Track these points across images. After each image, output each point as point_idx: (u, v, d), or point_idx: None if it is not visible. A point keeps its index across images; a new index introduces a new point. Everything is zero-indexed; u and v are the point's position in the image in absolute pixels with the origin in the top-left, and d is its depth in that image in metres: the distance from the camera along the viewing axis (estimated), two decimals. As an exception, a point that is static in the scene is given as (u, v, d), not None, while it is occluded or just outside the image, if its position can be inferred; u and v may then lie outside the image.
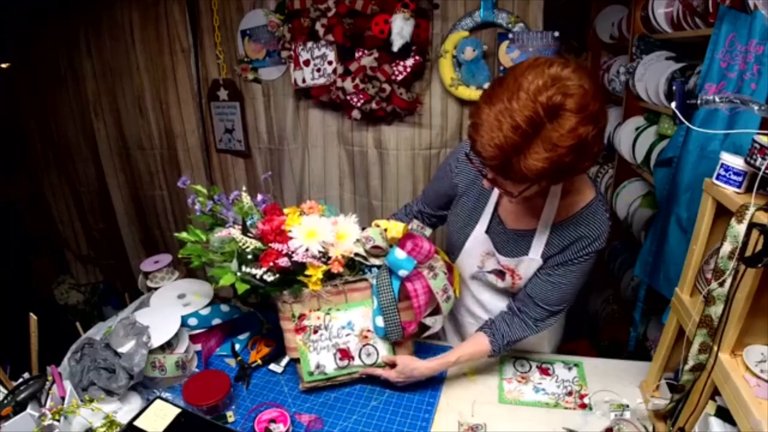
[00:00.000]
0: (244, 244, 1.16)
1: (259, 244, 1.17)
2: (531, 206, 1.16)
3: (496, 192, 1.21)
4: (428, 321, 1.26)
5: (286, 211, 1.24)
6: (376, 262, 1.22)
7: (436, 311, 1.26)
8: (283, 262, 1.14)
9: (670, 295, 1.20)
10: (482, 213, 1.24)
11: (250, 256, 1.17)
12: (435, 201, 1.39)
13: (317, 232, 1.17)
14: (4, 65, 2.89)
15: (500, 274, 1.27)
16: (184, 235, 1.28)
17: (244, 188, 1.29)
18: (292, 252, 1.15)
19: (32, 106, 2.86)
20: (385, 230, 1.21)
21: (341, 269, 1.18)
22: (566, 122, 0.84)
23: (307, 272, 1.18)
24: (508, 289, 1.29)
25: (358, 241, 1.21)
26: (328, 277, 1.21)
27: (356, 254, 1.20)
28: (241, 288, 1.16)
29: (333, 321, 1.24)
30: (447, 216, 1.39)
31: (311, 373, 1.24)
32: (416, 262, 1.18)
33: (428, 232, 1.29)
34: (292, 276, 1.19)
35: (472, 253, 1.29)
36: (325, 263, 1.18)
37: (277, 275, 1.16)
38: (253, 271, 1.14)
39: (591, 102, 0.85)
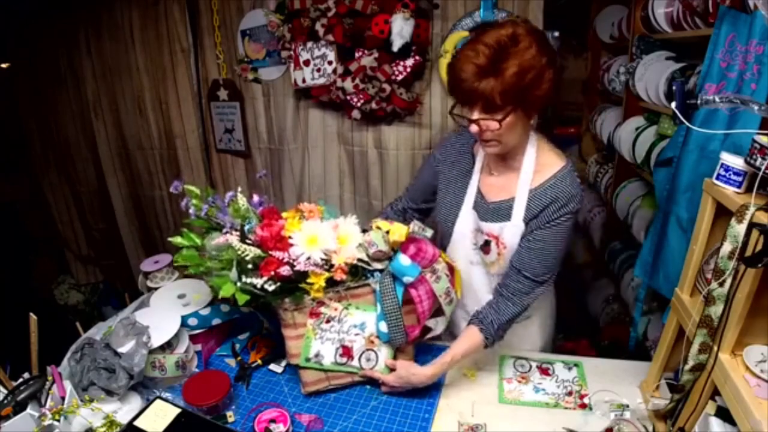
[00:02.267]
0: (243, 253, 1.12)
1: (258, 252, 1.14)
2: (508, 180, 1.28)
3: (477, 169, 1.33)
4: (430, 323, 1.26)
5: (284, 215, 1.21)
6: (379, 266, 1.21)
7: (438, 312, 1.26)
8: (285, 271, 1.11)
9: (670, 295, 1.20)
10: (466, 191, 1.33)
11: (250, 266, 1.14)
12: (420, 194, 1.47)
13: (318, 238, 1.14)
14: (4, 65, 2.90)
15: (486, 245, 1.30)
16: (178, 239, 1.25)
17: (240, 189, 1.26)
18: (294, 260, 1.12)
19: (32, 106, 2.87)
20: (387, 232, 1.20)
21: (344, 277, 1.16)
22: (523, 42, 1.07)
23: (309, 280, 1.15)
24: (495, 265, 1.31)
25: (360, 245, 1.19)
26: (331, 283, 1.18)
27: (359, 260, 1.18)
28: (242, 299, 1.13)
29: (348, 317, 1.23)
30: (431, 210, 1.46)
31: (308, 359, 1.24)
32: (421, 268, 1.17)
33: (429, 233, 1.27)
34: (294, 284, 1.17)
35: (463, 232, 1.34)
36: (328, 270, 1.16)
37: (278, 283, 1.13)
38: (254, 281, 1.11)
39: (539, 35, 1.10)
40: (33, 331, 1.17)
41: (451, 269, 1.29)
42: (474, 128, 1.15)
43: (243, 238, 1.16)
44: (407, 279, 1.17)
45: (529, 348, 1.50)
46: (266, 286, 1.11)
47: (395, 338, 1.21)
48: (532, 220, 1.23)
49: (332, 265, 1.16)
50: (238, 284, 1.13)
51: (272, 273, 1.11)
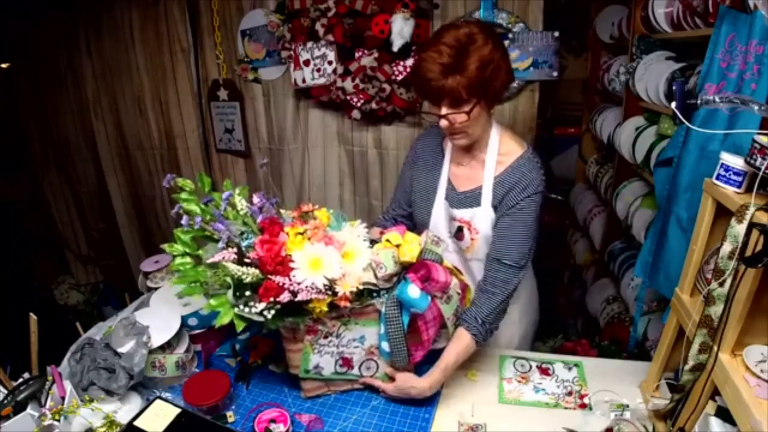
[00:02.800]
0: (241, 276, 1.05)
1: (257, 272, 1.06)
2: (474, 170, 1.35)
3: (446, 162, 1.39)
4: None
5: (286, 229, 1.12)
6: (386, 285, 1.16)
7: (442, 326, 1.22)
8: (285, 298, 1.05)
9: (670, 295, 1.20)
10: (438, 183, 1.39)
11: (248, 293, 1.07)
12: (406, 197, 1.50)
13: (322, 262, 1.06)
14: (4, 65, 2.90)
15: (459, 232, 1.35)
16: (175, 247, 1.19)
17: (237, 191, 1.21)
18: (295, 287, 1.05)
19: (32, 106, 2.87)
20: (398, 246, 1.15)
21: (348, 305, 1.10)
22: (479, 39, 1.14)
23: (311, 305, 1.09)
24: (470, 249, 1.36)
25: (368, 266, 1.12)
26: (333, 306, 1.12)
27: (365, 282, 1.12)
28: (240, 325, 1.07)
29: (346, 332, 1.21)
30: None
31: (307, 371, 1.24)
32: (430, 298, 1.13)
33: (442, 248, 1.21)
34: (295, 307, 1.10)
35: (439, 222, 1.39)
36: (332, 296, 1.09)
37: (278, 306, 1.07)
38: (252, 309, 1.05)
39: (490, 31, 1.18)
40: (33, 331, 1.17)
41: (464, 287, 1.26)
42: (444, 123, 1.22)
43: (241, 258, 1.08)
44: (415, 310, 1.13)
45: (509, 336, 1.51)
46: (265, 313, 1.05)
47: (397, 361, 1.20)
48: (499, 205, 1.29)
49: (336, 292, 1.08)
50: (236, 310, 1.07)
51: (271, 300, 1.05)
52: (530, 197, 1.25)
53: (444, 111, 1.19)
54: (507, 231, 1.27)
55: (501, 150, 1.31)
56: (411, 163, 1.48)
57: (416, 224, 1.46)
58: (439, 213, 1.39)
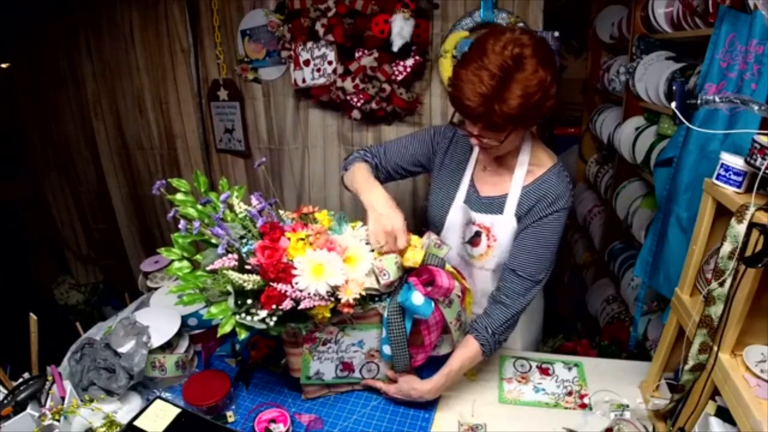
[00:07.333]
0: (243, 283, 1.03)
1: (258, 279, 1.04)
2: (501, 177, 1.30)
3: (471, 163, 1.34)
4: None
5: (287, 234, 1.09)
6: (388, 290, 1.15)
7: (444, 330, 1.21)
8: (287, 305, 1.03)
9: (670, 295, 1.20)
10: (460, 185, 1.34)
11: (250, 301, 1.05)
12: (400, 159, 1.40)
13: (325, 268, 1.05)
14: (4, 65, 2.90)
15: (477, 236, 1.31)
16: (173, 251, 1.17)
17: (235, 195, 1.19)
18: (298, 294, 1.03)
19: (32, 106, 2.87)
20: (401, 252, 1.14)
21: (351, 311, 1.08)
22: (529, 65, 1.04)
23: (313, 311, 1.07)
24: (483, 258, 1.31)
25: (371, 271, 1.11)
26: (335, 311, 1.10)
27: (367, 288, 1.10)
28: (242, 333, 1.06)
29: (345, 338, 1.20)
30: (406, 173, 1.43)
31: (309, 378, 1.24)
32: (434, 304, 1.12)
33: (445, 251, 1.20)
34: (297, 313, 1.08)
35: (454, 226, 1.34)
36: (334, 301, 1.08)
37: (280, 313, 1.05)
38: (255, 317, 1.03)
39: (542, 50, 1.07)
40: (33, 331, 1.17)
41: (464, 290, 1.25)
42: (474, 141, 1.18)
43: (242, 264, 1.06)
44: (419, 317, 1.13)
45: (511, 343, 1.49)
46: (267, 320, 1.04)
47: (399, 365, 1.19)
48: (523, 217, 1.25)
49: (339, 299, 1.07)
50: (237, 318, 1.06)
51: (273, 307, 1.03)
52: (558, 212, 1.22)
53: (476, 132, 1.13)
54: (529, 243, 1.23)
55: (532, 160, 1.26)
56: (433, 143, 1.38)
57: (429, 222, 1.43)
58: (456, 215, 1.34)
